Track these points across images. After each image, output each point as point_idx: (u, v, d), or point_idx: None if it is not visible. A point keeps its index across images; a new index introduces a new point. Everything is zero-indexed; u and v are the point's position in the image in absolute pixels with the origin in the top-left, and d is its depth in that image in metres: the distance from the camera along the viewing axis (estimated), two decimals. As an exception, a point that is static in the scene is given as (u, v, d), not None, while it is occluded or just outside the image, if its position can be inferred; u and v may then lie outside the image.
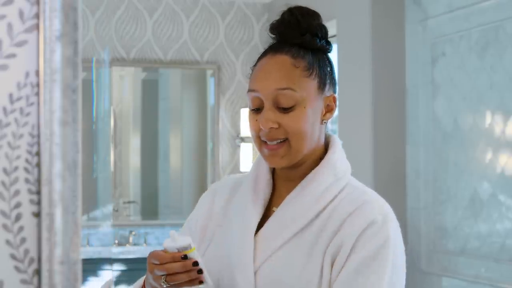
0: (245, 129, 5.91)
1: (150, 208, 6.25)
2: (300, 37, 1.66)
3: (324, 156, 1.69)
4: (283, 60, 1.64)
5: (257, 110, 1.65)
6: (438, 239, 4.04)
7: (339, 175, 1.67)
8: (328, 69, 1.69)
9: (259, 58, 1.69)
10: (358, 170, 4.34)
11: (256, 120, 1.64)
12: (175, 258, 1.53)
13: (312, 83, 1.64)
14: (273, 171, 1.74)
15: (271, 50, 1.67)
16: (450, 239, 3.96)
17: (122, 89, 6.18)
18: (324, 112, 1.67)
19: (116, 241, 5.92)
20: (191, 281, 1.54)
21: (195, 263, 1.52)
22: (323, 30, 1.69)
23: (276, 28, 1.69)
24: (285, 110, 1.61)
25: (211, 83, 6.28)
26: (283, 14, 1.69)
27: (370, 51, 4.31)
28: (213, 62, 6.18)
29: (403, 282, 1.62)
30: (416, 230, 4.17)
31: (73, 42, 0.95)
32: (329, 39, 1.73)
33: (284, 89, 1.61)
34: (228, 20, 6.22)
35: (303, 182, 1.66)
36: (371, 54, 4.30)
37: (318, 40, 1.67)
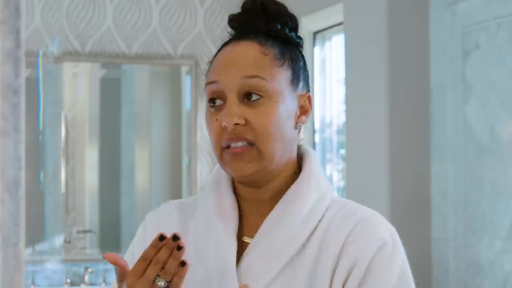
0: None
1: (110, 238, 6.25)
2: (266, 25, 1.71)
3: (298, 170, 1.72)
4: (250, 46, 1.69)
5: (217, 108, 1.66)
6: (470, 278, 4.05)
7: (323, 190, 1.70)
8: (302, 64, 1.74)
9: (219, 50, 1.73)
10: (371, 192, 4.38)
11: (217, 120, 1.65)
12: (157, 245, 1.50)
13: (284, 75, 1.68)
14: (235, 192, 1.74)
15: (234, 39, 1.73)
16: (486, 278, 3.97)
17: (75, 90, 6.18)
18: (298, 113, 1.70)
19: (68, 280, 5.91)
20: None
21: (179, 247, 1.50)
22: (293, 20, 1.75)
23: (237, 19, 1.76)
24: (253, 103, 1.64)
25: (186, 82, 6.29)
26: (244, 4, 1.75)
27: (385, 43, 4.32)
28: (190, 57, 6.19)
29: None
30: (443, 266, 4.18)
31: (14, 32, 0.95)
32: (301, 35, 1.78)
33: (252, 77, 1.64)
34: (208, 4, 6.24)
35: (283, 201, 1.68)
36: (387, 46, 4.32)
37: (287, 30, 1.72)
